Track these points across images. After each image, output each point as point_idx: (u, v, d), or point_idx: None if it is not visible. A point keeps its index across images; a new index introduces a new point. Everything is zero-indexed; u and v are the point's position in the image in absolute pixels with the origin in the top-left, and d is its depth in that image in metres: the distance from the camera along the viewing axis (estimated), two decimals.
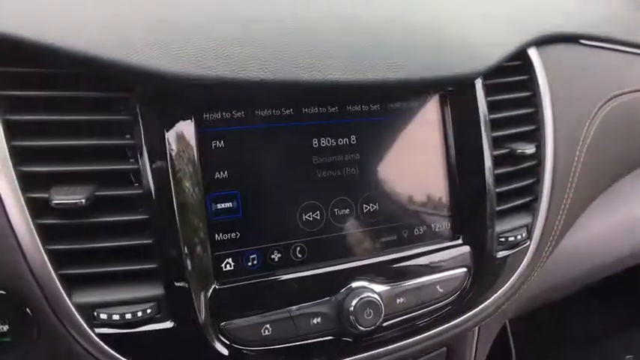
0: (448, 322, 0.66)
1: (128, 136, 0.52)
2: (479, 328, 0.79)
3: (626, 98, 0.87)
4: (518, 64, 0.73)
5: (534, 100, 0.74)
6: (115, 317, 0.50)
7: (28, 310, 0.50)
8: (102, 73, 0.51)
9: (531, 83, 0.74)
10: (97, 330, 0.51)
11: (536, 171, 0.73)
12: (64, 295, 0.50)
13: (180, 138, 0.53)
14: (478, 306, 0.68)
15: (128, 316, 0.51)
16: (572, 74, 0.79)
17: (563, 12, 0.82)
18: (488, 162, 0.66)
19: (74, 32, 0.49)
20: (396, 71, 0.58)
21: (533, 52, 0.74)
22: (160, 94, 0.52)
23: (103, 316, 0.50)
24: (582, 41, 0.82)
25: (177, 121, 0.52)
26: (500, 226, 0.69)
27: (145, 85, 0.51)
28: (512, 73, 0.72)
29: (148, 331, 0.52)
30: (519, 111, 0.72)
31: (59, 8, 0.50)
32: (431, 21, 0.65)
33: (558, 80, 0.75)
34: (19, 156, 0.49)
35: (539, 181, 0.72)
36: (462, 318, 0.67)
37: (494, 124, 0.68)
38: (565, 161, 0.75)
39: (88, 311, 0.51)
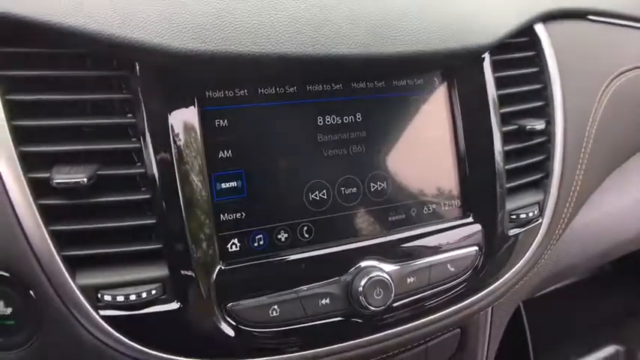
0: (460, 302, 0.65)
1: (130, 115, 0.52)
2: (492, 309, 0.78)
3: (635, 74, 0.85)
4: (525, 40, 0.72)
5: (542, 76, 0.72)
6: (120, 299, 0.50)
7: (31, 292, 0.49)
8: (103, 50, 0.50)
9: (539, 59, 0.73)
10: (102, 312, 0.50)
11: (546, 147, 0.71)
12: (68, 277, 0.49)
13: (183, 116, 0.52)
14: (490, 285, 0.67)
15: (132, 297, 0.50)
16: (580, 50, 0.78)
17: None
18: (497, 138, 0.65)
19: (74, 10, 0.48)
20: (402, 45, 0.57)
21: (540, 28, 0.73)
22: (162, 71, 0.51)
23: (107, 297, 0.50)
24: (590, 17, 0.81)
25: (180, 100, 0.52)
26: (512, 204, 0.68)
27: (147, 62, 0.50)
28: (520, 49, 0.71)
29: (153, 312, 0.51)
30: (527, 87, 0.71)
31: None
32: None
33: (566, 56, 0.74)
34: (20, 136, 0.48)
35: (549, 157, 0.71)
36: (474, 298, 0.66)
37: (503, 101, 0.67)
38: (575, 137, 0.74)
39: (92, 293, 0.50)
